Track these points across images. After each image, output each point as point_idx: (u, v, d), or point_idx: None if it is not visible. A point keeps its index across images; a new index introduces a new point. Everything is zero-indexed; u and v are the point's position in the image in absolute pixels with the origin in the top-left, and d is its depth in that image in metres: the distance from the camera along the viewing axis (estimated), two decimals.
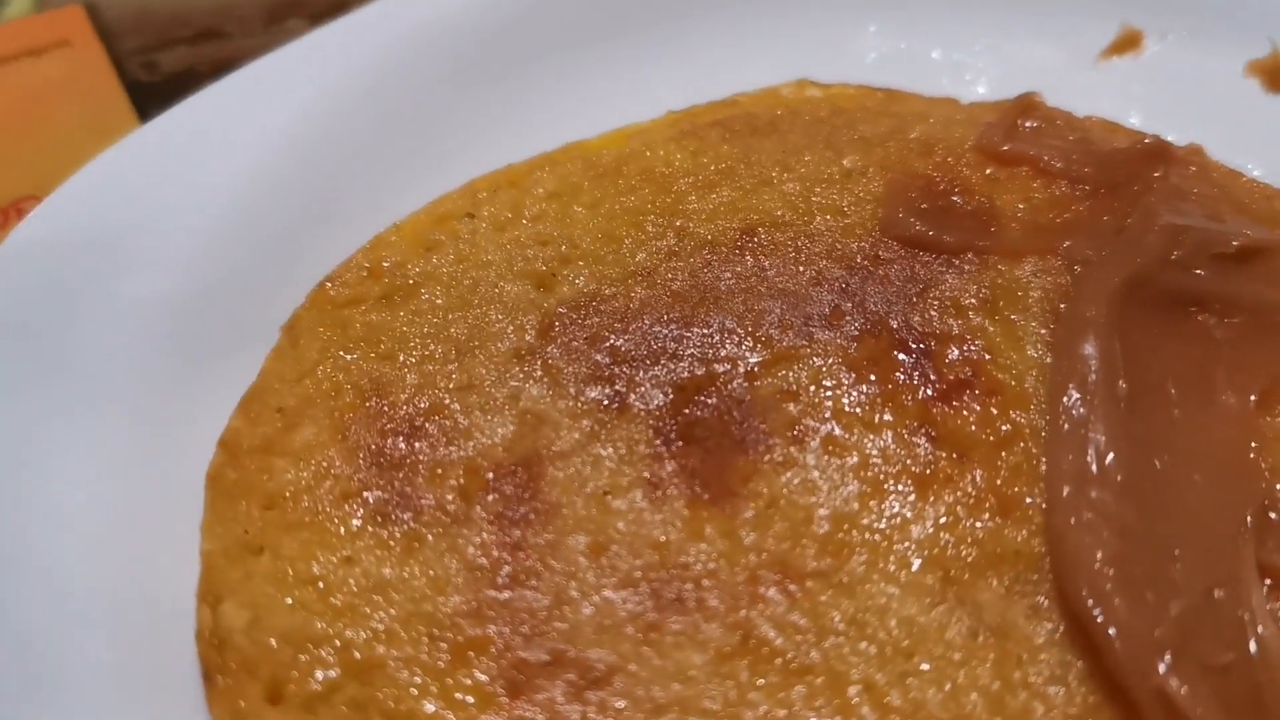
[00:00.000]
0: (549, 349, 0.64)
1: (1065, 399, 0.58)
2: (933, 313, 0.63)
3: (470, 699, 0.54)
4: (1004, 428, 0.59)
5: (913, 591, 0.55)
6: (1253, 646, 0.51)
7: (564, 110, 0.81)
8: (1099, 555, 0.53)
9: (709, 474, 0.59)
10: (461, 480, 0.60)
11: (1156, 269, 0.63)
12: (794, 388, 0.61)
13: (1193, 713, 0.49)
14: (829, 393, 0.61)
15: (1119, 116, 0.76)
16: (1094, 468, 0.56)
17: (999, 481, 0.58)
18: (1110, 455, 0.56)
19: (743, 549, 0.57)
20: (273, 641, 0.56)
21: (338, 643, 0.56)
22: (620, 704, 0.53)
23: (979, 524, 0.57)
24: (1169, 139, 0.71)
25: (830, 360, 0.62)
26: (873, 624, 0.54)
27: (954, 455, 0.59)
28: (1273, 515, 0.56)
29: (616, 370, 0.63)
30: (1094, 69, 0.84)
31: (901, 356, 0.62)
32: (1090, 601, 0.52)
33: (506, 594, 0.56)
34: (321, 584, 0.58)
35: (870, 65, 0.84)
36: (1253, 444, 0.58)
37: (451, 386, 0.64)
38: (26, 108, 0.89)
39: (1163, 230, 0.64)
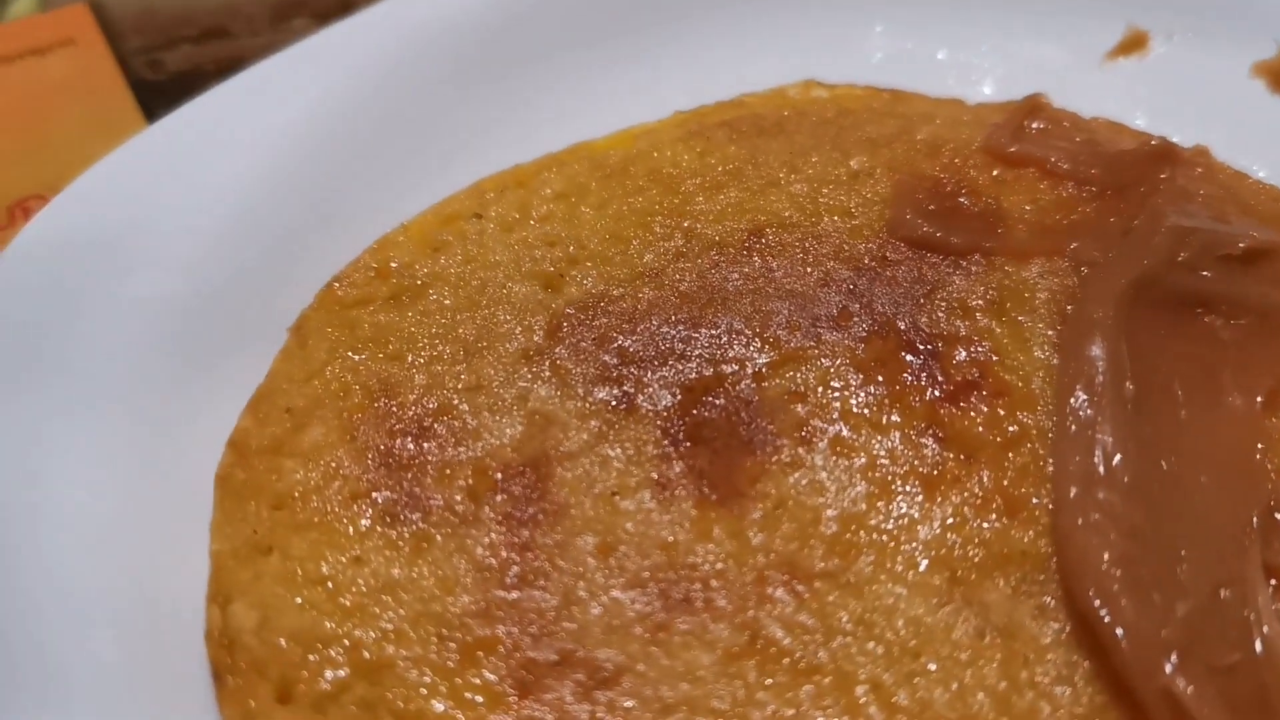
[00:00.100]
0: (557, 350, 0.64)
1: (1072, 400, 0.58)
2: (940, 314, 0.63)
3: (479, 698, 0.54)
4: (1011, 429, 0.59)
5: (920, 592, 0.55)
6: (1258, 647, 0.52)
7: (570, 110, 0.81)
8: (1106, 556, 0.53)
9: (717, 475, 0.59)
10: (470, 481, 0.60)
11: (1163, 270, 0.63)
12: (802, 389, 0.62)
13: (1199, 713, 0.49)
14: (837, 394, 0.61)
15: (1125, 117, 0.76)
16: (1101, 469, 0.56)
17: (1006, 482, 0.58)
18: (1117, 456, 0.56)
19: (750, 549, 0.57)
20: (282, 641, 0.56)
21: (347, 643, 0.56)
22: (629, 703, 0.53)
23: (986, 525, 0.57)
24: (1175, 140, 0.71)
25: (838, 361, 0.62)
26: (880, 624, 0.54)
27: (961, 456, 0.59)
28: (1279, 516, 0.56)
29: (625, 371, 0.63)
30: (1100, 70, 0.84)
31: (909, 358, 0.62)
32: (1097, 602, 0.52)
33: (515, 594, 0.56)
34: (331, 584, 0.58)
35: (876, 65, 0.84)
36: (1259, 445, 0.58)
37: (460, 387, 0.64)
38: (31, 107, 0.89)
39: (1169, 232, 0.64)
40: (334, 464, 0.62)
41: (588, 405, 0.62)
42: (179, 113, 0.77)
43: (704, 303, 0.65)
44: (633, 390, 0.62)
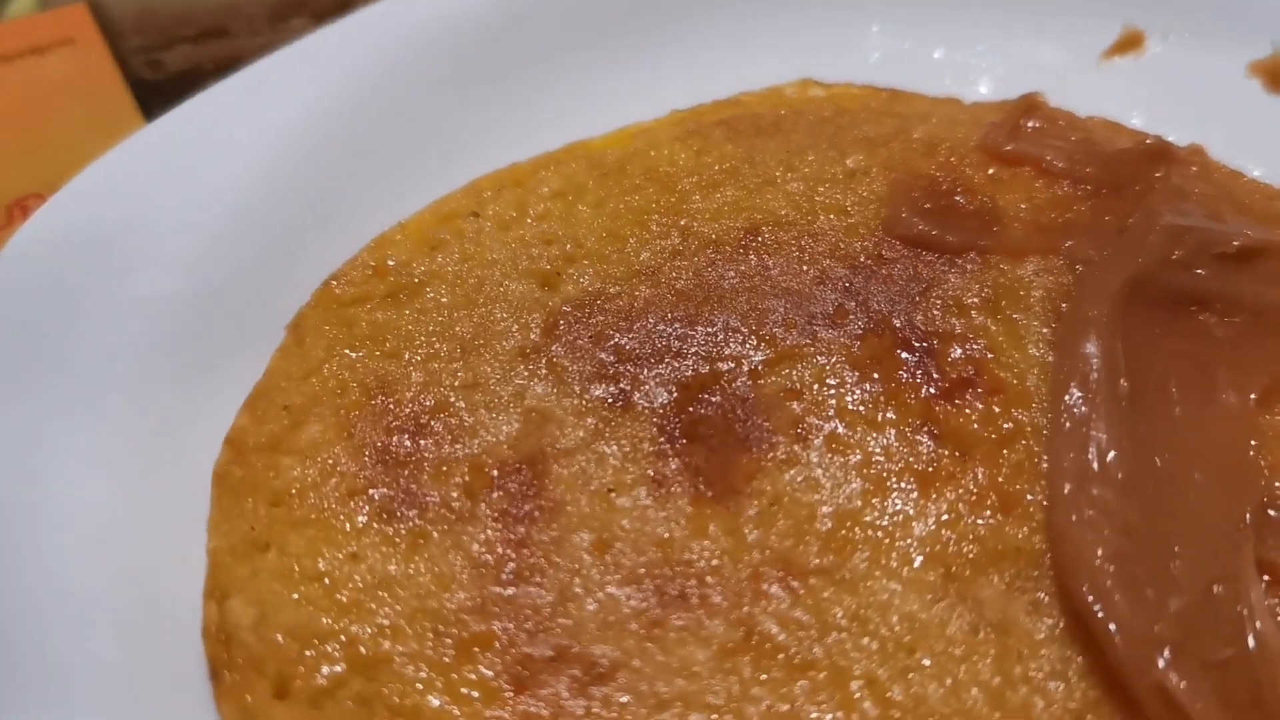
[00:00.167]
0: (554, 347, 0.65)
1: (1067, 397, 0.59)
2: (935, 312, 0.64)
3: (475, 694, 0.54)
4: (1006, 426, 0.59)
5: (914, 588, 0.55)
6: (1251, 642, 0.52)
7: (568, 109, 0.81)
8: (1100, 552, 0.53)
9: (713, 472, 0.59)
10: (466, 477, 0.60)
11: (1158, 269, 0.63)
12: (798, 386, 0.62)
13: (1192, 708, 0.49)
14: (832, 391, 0.61)
15: (1121, 116, 0.77)
16: (1095, 466, 0.56)
17: (1000, 479, 0.58)
18: (1111, 453, 0.56)
19: (746, 546, 0.57)
20: (279, 637, 0.56)
21: (344, 638, 0.56)
22: (624, 699, 0.53)
23: (980, 521, 0.57)
24: (1170, 139, 0.72)
25: (834, 359, 0.62)
26: (875, 620, 0.55)
27: (956, 453, 0.59)
28: (1272, 513, 0.56)
29: (621, 368, 0.63)
30: (1096, 69, 0.85)
31: (904, 355, 0.62)
32: (1091, 598, 0.52)
33: (511, 590, 0.57)
34: (327, 580, 0.58)
35: (874, 65, 0.85)
36: (1253, 442, 0.58)
37: (457, 384, 0.64)
38: (31, 106, 0.90)
39: (1164, 230, 0.64)
40: (331, 461, 0.62)
41: (584, 403, 0.62)
42: (177, 111, 0.77)
43: (700, 301, 0.65)
44: (629, 388, 0.62)
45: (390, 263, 0.70)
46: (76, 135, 0.87)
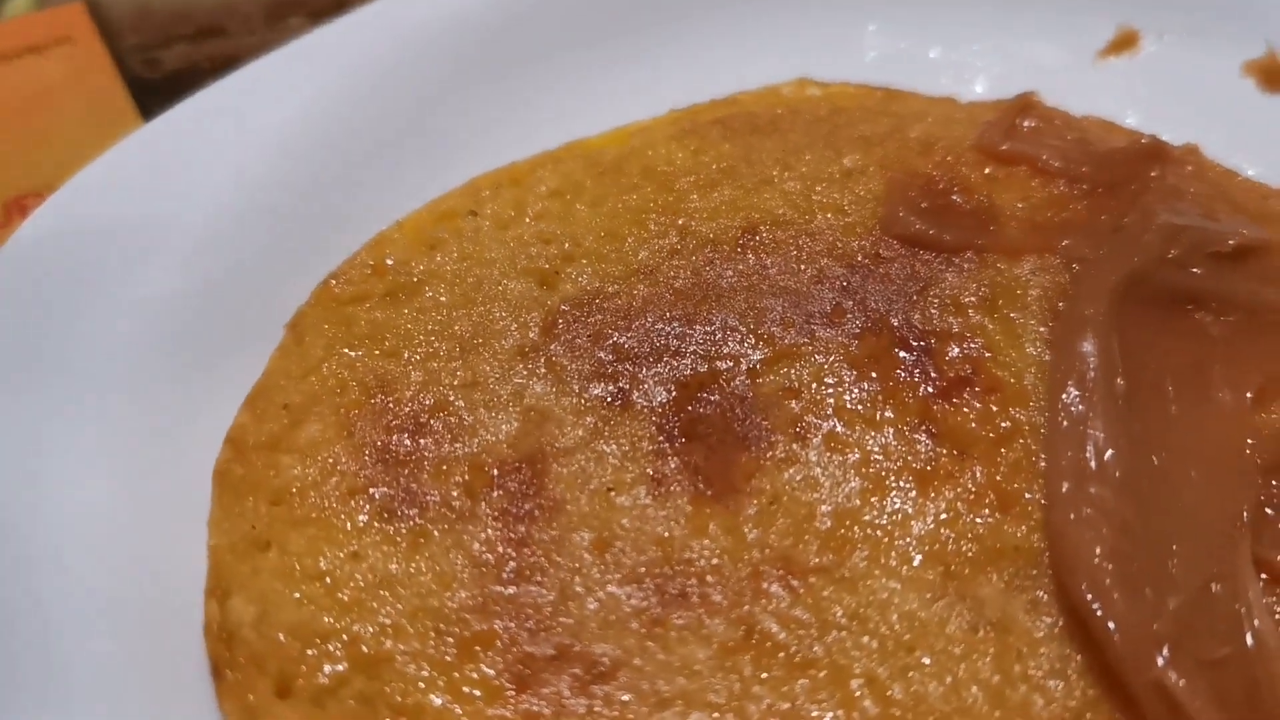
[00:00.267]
0: (552, 346, 0.65)
1: (1064, 396, 0.59)
2: (933, 310, 0.64)
3: (477, 693, 0.54)
4: (1004, 425, 0.60)
5: (914, 586, 0.56)
6: (1249, 640, 0.52)
7: (565, 108, 0.81)
8: (1098, 551, 0.53)
9: (712, 470, 0.60)
10: (466, 476, 0.61)
11: (1154, 267, 0.63)
12: (796, 385, 0.62)
13: (1190, 706, 0.50)
14: (830, 390, 0.62)
15: (1116, 116, 0.77)
16: (1093, 464, 0.56)
17: (999, 478, 0.58)
18: (1109, 452, 0.57)
19: (746, 545, 0.57)
20: (281, 636, 0.57)
21: (345, 637, 0.56)
22: (625, 697, 0.53)
23: (979, 520, 0.57)
24: (1166, 138, 0.72)
25: (832, 358, 0.63)
26: (874, 618, 0.55)
27: (954, 452, 0.59)
28: (1268, 511, 0.56)
29: (620, 367, 0.63)
30: (1092, 68, 0.85)
31: (902, 354, 0.62)
32: (1089, 596, 0.53)
33: (512, 589, 0.57)
34: (329, 579, 0.58)
35: (870, 64, 0.85)
36: (1249, 441, 0.59)
37: (456, 383, 0.64)
38: (28, 105, 0.89)
39: (1160, 229, 0.64)
40: (331, 460, 0.62)
41: (583, 401, 0.63)
42: (174, 111, 0.78)
43: (698, 299, 0.66)
44: (628, 386, 0.63)
45: (389, 262, 0.70)
46: (74, 134, 0.87)
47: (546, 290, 0.68)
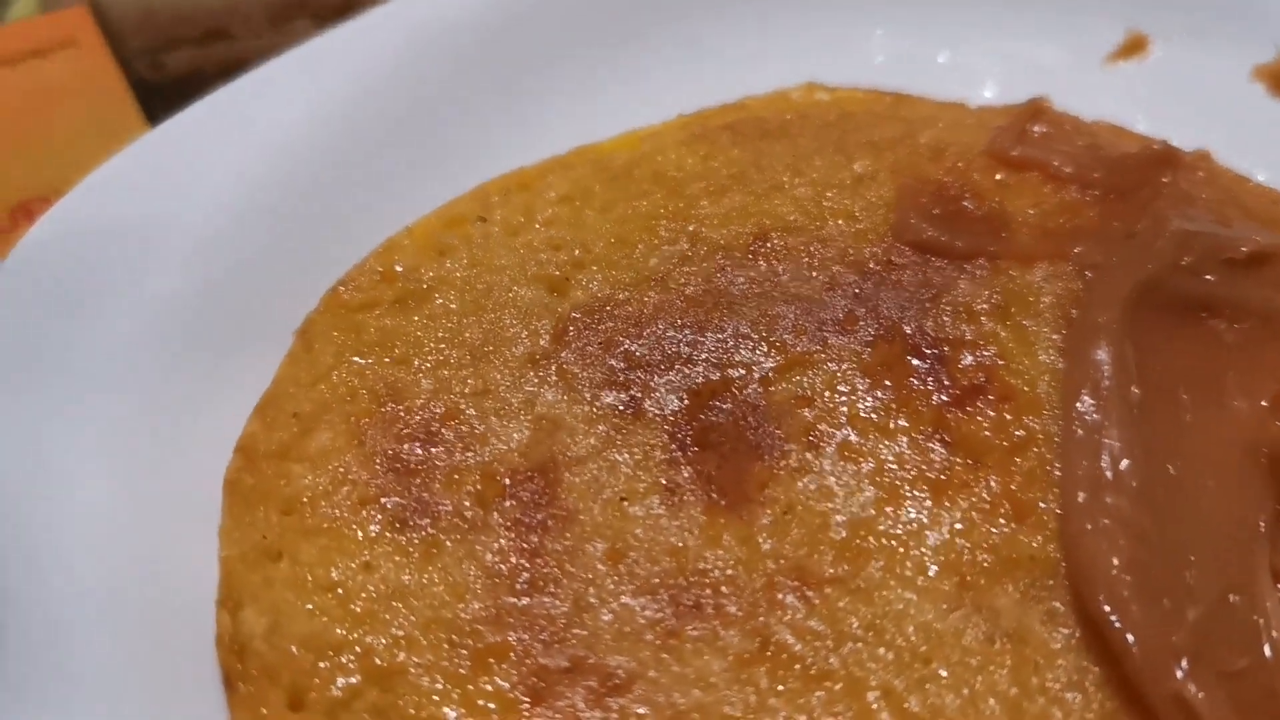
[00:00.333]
0: (563, 354, 0.64)
1: (1079, 404, 0.59)
2: (945, 318, 0.64)
3: (492, 705, 0.54)
4: (1018, 433, 0.59)
5: (929, 597, 0.55)
6: (1267, 651, 0.52)
7: (574, 113, 0.81)
8: (1115, 561, 0.53)
9: (725, 480, 0.59)
10: (478, 486, 0.60)
11: (1167, 274, 0.63)
12: (809, 393, 0.62)
13: (1210, 718, 0.50)
14: (844, 398, 0.61)
15: (1125, 120, 0.77)
16: (1108, 473, 0.56)
17: (1014, 487, 0.58)
18: (1124, 461, 0.56)
19: (760, 555, 0.57)
20: (293, 648, 0.56)
21: (358, 649, 0.56)
22: (641, 710, 0.53)
23: (994, 529, 0.57)
24: (1175, 143, 0.71)
25: (844, 366, 0.62)
26: (890, 630, 0.55)
27: (968, 461, 0.59)
28: None
29: (631, 375, 0.63)
30: (1100, 72, 0.85)
31: (915, 362, 0.62)
32: (1107, 608, 0.52)
33: (525, 600, 0.57)
34: (341, 590, 0.58)
35: (878, 68, 0.84)
36: (1264, 449, 0.58)
37: (467, 391, 0.64)
38: (32, 108, 0.89)
39: (1173, 236, 0.64)
40: (342, 469, 0.62)
41: (595, 410, 0.62)
42: (181, 116, 0.77)
43: (710, 307, 0.65)
44: (640, 395, 0.62)
45: (398, 268, 0.70)
46: (79, 137, 0.87)
47: (557, 297, 0.67)
